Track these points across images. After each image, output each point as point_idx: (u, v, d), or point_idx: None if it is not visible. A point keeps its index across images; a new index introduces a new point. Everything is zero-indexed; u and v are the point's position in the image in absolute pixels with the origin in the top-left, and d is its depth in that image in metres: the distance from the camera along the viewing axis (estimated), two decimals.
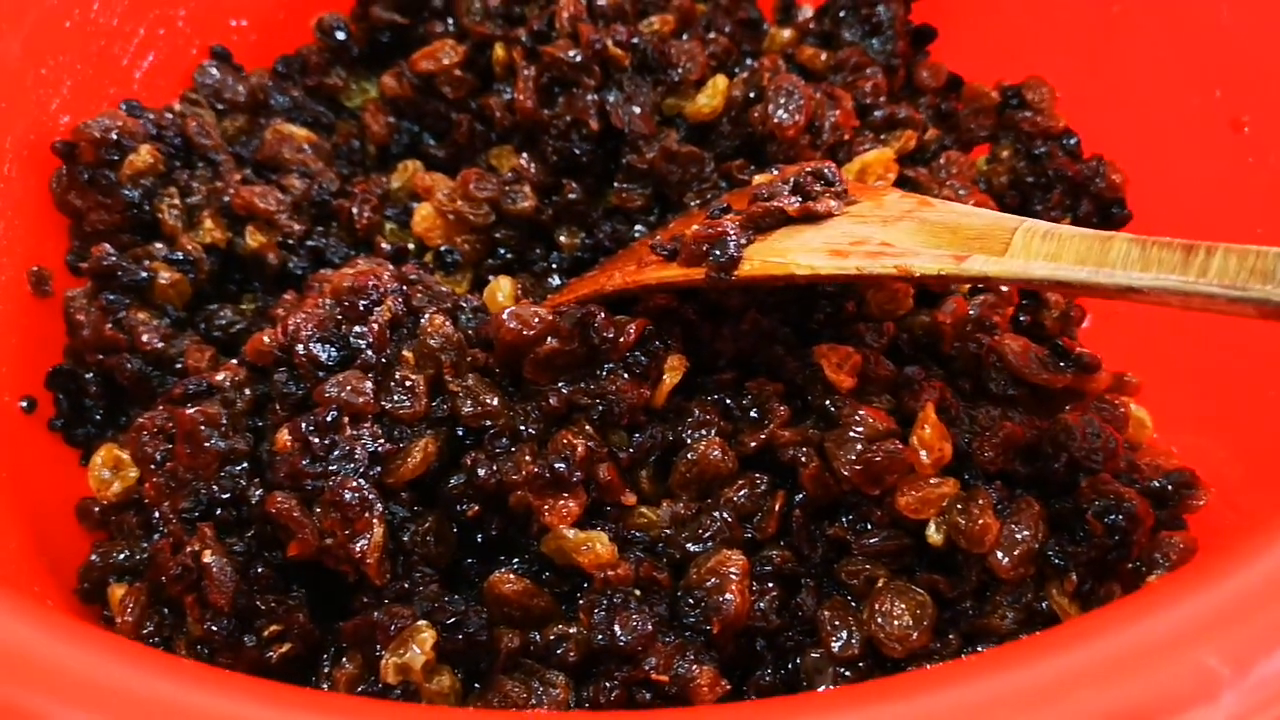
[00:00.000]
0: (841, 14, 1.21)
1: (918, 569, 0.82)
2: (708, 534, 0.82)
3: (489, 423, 0.84)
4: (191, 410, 0.82)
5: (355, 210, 1.10)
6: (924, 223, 0.77)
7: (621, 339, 0.84)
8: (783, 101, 1.03)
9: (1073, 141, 1.14)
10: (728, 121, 1.10)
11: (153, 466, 0.84)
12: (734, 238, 0.81)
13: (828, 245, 0.78)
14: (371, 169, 1.22)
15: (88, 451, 1.02)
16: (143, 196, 1.06)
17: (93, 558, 0.87)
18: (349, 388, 0.80)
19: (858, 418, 0.82)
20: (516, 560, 0.84)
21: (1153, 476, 0.85)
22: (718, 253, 0.81)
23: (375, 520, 0.77)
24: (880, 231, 0.77)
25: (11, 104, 1.02)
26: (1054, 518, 0.81)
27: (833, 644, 0.78)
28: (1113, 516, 0.77)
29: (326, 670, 0.81)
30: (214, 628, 0.78)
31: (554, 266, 1.13)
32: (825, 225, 0.81)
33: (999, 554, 0.77)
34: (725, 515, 0.82)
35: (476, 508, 0.83)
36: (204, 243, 1.06)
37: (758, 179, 0.89)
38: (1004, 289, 0.94)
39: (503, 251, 1.11)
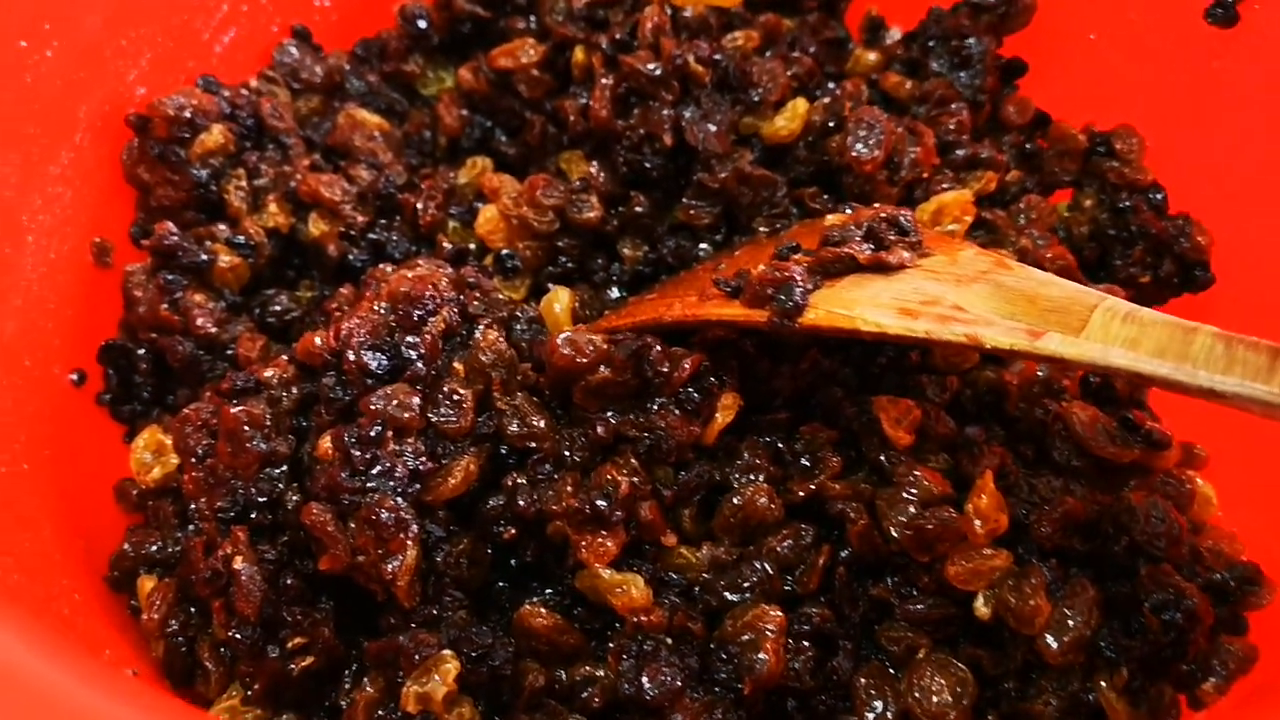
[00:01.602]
0: (931, 43, 1.17)
1: (961, 640, 0.80)
2: (747, 584, 0.80)
3: (534, 445, 0.82)
4: (237, 409, 0.81)
5: (420, 206, 1.08)
6: (1000, 287, 0.74)
7: (675, 374, 0.82)
8: (863, 134, 1.00)
9: (1159, 196, 1.10)
10: (804, 146, 1.07)
11: (193, 460, 0.84)
12: (800, 284, 0.78)
13: (897, 301, 0.75)
14: (441, 160, 1.21)
15: (132, 428, 1.02)
16: (210, 176, 1.05)
17: (125, 547, 0.86)
18: (395, 402, 0.79)
19: (912, 478, 0.80)
20: (549, 590, 0.83)
21: (1216, 568, 0.81)
22: (782, 298, 0.78)
23: (410, 541, 0.76)
24: (953, 292, 0.75)
25: (89, 74, 1.02)
26: (1108, 600, 0.78)
27: (866, 715, 0.76)
28: (1171, 613, 0.74)
29: (347, 688, 0.80)
30: (238, 635, 0.77)
31: (614, 278, 1.11)
32: (896, 277, 0.79)
33: (1049, 637, 0.74)
34: (766, 565, 0.80)
35: (514, 531, 0.82)
36: (267, 227, 1.05)
37: (830, 219, 0.87)
38: None
39: (563, 260, 1.09)
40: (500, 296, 0.96)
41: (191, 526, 0.86)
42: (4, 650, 0.49)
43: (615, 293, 1.10)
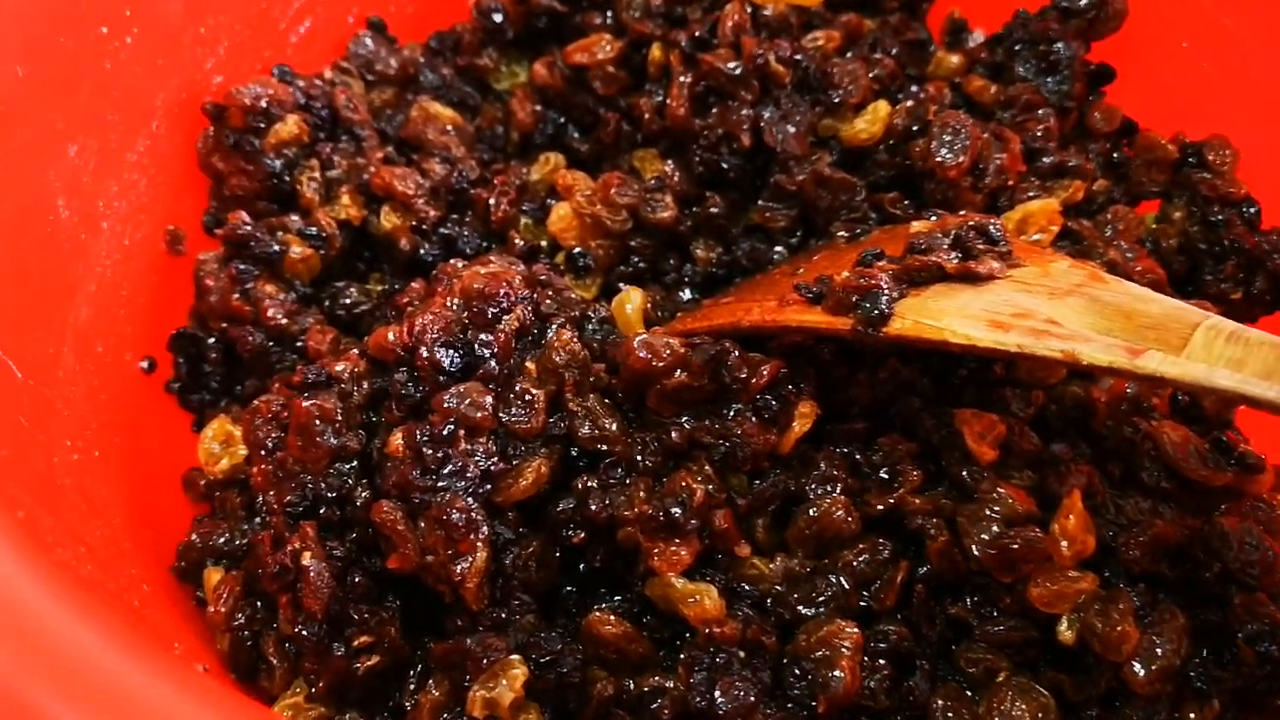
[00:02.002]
0: (1017, 47, 1.14)
1: (1042, 664, 0.77)
2: (821, 598, 0.78)
3: (605, 448, 0.81)
4: (308, 403, 0.80)
5: (492, 201, 1.07)
6: (1095, 301, 0.72)
7: (754, 380, 0.80)
8: (948, 139, 0.98)
9: (1253, 210, 1.07)
10: (884, 150, 1.05)
11: (263, 453, 0.83)
12: (886, 292, 0.76)
13: (987, 313, 0.73)
14: (513, 156, 1.20)
15: (200, 417, 1.02)
16: (284, 166, 1.05)
17: (193, 537, 0.86)
18: (469, 401, 0.78)
19: (996, 495, 0.77)
20: (618, 597, 0.81)
21: None
22: (867, 305, 0.76)
23: (480, 543, 0.75)
24: (1046, 305, 0.72)
25: (167, 61, 1.02)
26: (1198, 629, 0.75)
27: None
28: (1266, 645, 0.72)
29: (412, 689, 0.79)
30: (304, 631, 0.76)
31: (686, 280, 1.09)
32: (985, 288, 0.76)
33: (1136, 665, 0.72)
34: (842, 580, 0.79)
35: (583, 535, 0.80)
36: (339, 218, 1.05)
37: (915, 226, 0.84)
38: None
39: (635, 260, 1.08)
40: (572, 295, 0.94)
41: (258, 519, 0.86)
42: (84, 646, 0.48)
43: (687, 294, 1.08)
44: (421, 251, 1.05)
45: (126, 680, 0.47)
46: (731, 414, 0.81)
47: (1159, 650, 0.72)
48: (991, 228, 0.80)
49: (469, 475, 0.76)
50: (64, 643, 0.48)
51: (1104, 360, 0.66)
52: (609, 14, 1.19)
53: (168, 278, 1.02)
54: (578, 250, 1.05)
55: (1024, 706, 0.73)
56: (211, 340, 1.01)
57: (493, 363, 0.81)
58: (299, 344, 0.98)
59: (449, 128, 1.14)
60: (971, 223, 0.81)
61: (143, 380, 0.99)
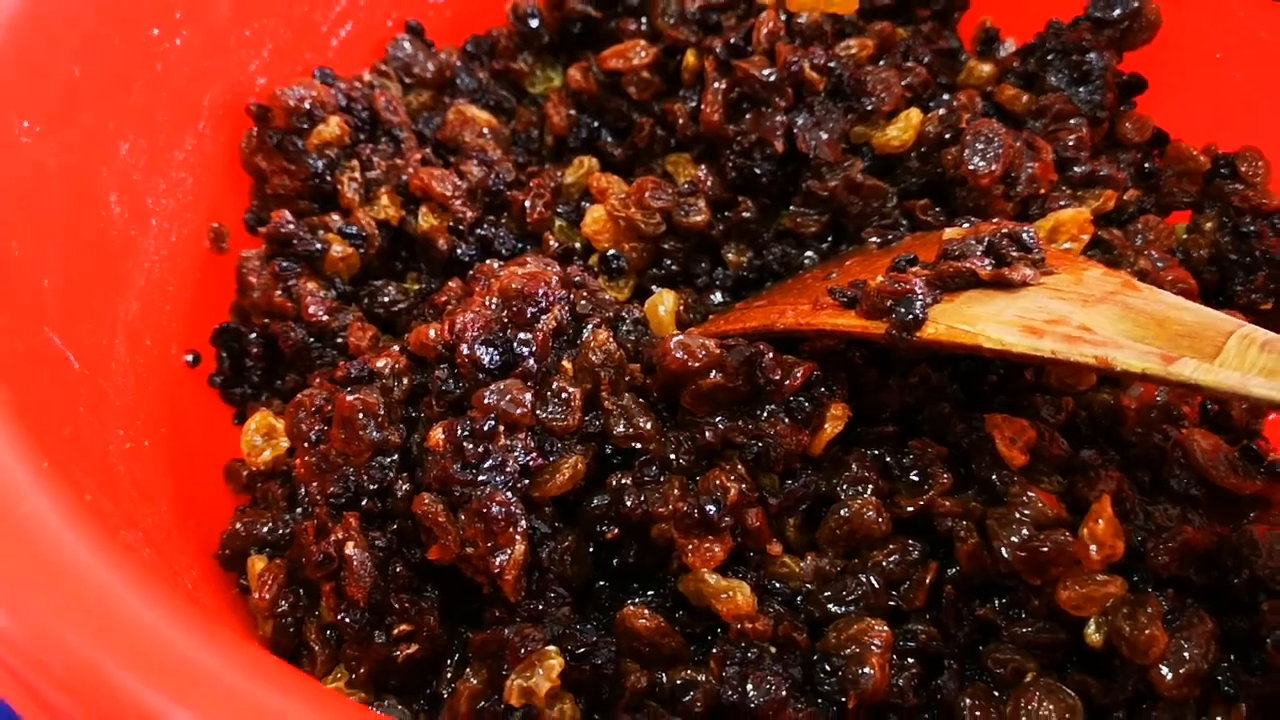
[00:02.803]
0: (1049, 57, 1.15)
1: (1069, 667, 0.78)
2: (851, 596, 0.79)
3: (639, 446, 0.82)
4: (352, 397, 0.82)
5: (528, 203, 1.09)
6: (1128, 309, 0.73)
7: (788, 382, 0.81)
8: (980, 148, 0.99)
9: None
10: (916, 157, 1.06)
11: (306, 444, 0.85)
12: (920, 297, 0.77)
13: (1021, 319, 0.74)
14: (547, 159, 1.22)
15: (242, 411, 1.04)
16: (326, 167, 1.07)
17: (236, 526, 0.88)
18: (509, 397, 0.79)
19: (1026, 499, 0.78)
20: (650, 592, 0.83)
21: None
22: (901, 310, 0.78)
23: (518, 536, 0.76)
24: (1079, 312, 0.73)
25: (214, 63, 1.04)
26: (1226, 635, 0.76)
27: None
28: None
29: (449, 677, 0.80)
30: (347, 619, 0.78)
31: (717, 283, 1.11)
32: (1019, 294, 0.77)
33: (1163, 669, 0.72)
34: (872, 579, 0.80)
35: (617, 531, 0.82)
36: (378, 218, 1.07)
37: (948, 232, 0.85)
38: None
39: (668, 262, 1.09)
40: (606, 297, 0.96)
41: (300, 510, 0.88)
42: (157, 625, 0.50)
43: (718, 297, 1.10)
44: (458, 252, 1.07)
45: (201, 658, 0.48)
46: (765, 415, 0.82)
47: (1186, 654, 0.73)
48: (1025, 235, 0.81)
49: (508, 470, 0.78)
50: (141, 621, 0.50)
51: (1138, 367, 0.67)
52: (643, 20, 1.21)
53: (211, 274, 1.04)
54: (611, 252, 1.07)
55: (1051, 707, 0.74)
56: (253, 335, 1.03)
57: (531, 361, 0.83)
58: (339, 340, 1.00)
59: (485, 130, 1.16)
60: (1005, 230, 0.82)
61: (187, 373, 1.01)
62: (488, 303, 0.86)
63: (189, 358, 1.01)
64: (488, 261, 1.03)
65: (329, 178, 1.07)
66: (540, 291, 0.86)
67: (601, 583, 0.85)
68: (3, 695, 0.51)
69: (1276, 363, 0.63)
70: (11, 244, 0.77)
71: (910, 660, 0.78)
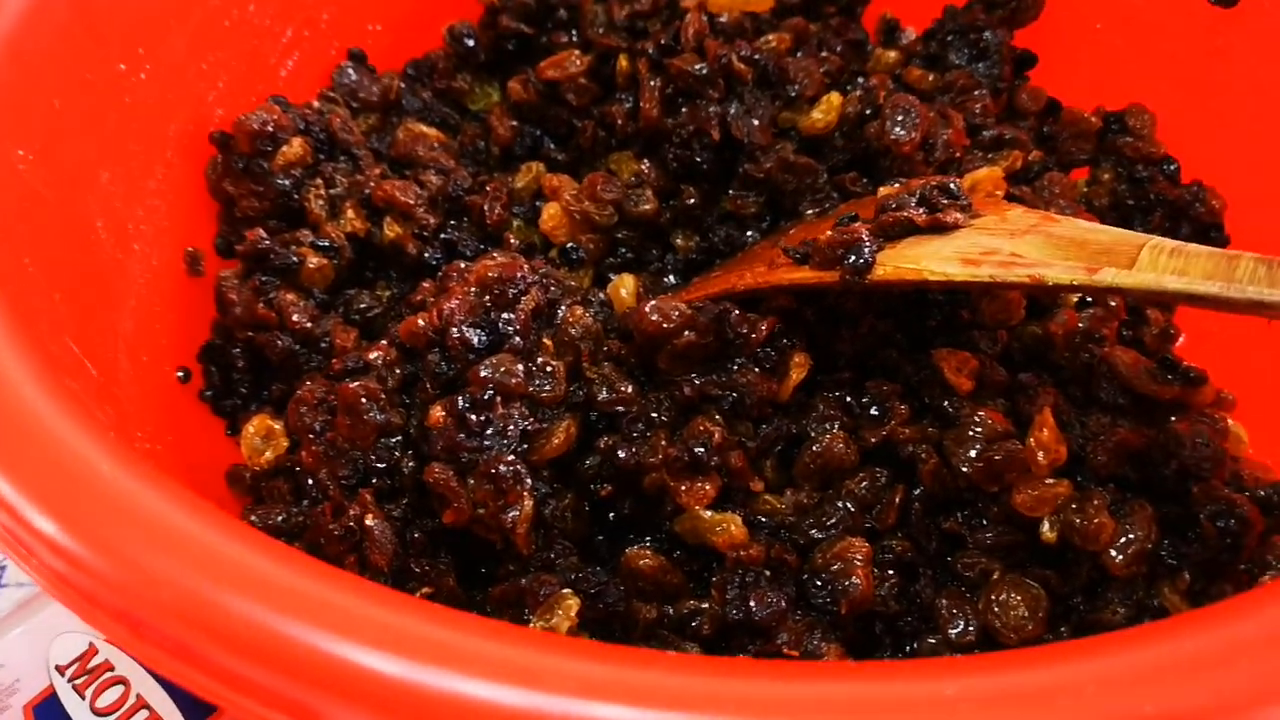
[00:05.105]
0: (949, 38, 1.26)
1: (1030, 563, 0.87)
2: (831, 521, 0.87)
3: (623, 409, 0.89)
4: (354, 384, 0.88)
5: (487, 207, 1.15)
6: (1050, 236, 0.82)
7: (754, 335, 0.89)
8: (900, 119, 1.08)
9: (1173, 167, 1.19)
10: (840, 136, 1.15)
11: (311, 435, 0.90)
12: (868, 244, 0.86)
13: (959, 254, 0.83)
14: (495, 168, 1.28)
15: (233, 422, 1.09)
16: (293, 186, 1.12)
17: (251, 518, 0.93)
18: (503, 369, 0.86)
19: (977, 418, 0.87)
20: (648, 538, 0.90)
21: (1256, 487, 0.89)
22: (853, 257, 0.86)
23: (525, 494, 0.83)
24: (1008, 243, 0.82)
25: (176, 95, 1.09)
26: (1164, 522, 0.85)
27: (950, 631, 0.83)
28: (1224, 520, 0.82)
29: None
30: None
31: (669, 267, 1.18)
32: (953, 236, 0.86)
33: (1113, 552, 0.81)
34: (847, 505, 0.88)
35: (609, 488, 0.89)
36: (346, 231, 1.12)
37: (882, 190, 0.94)
38: (1112, 303, 0.98)
39: (623, 251, 1.17)
40: (572, 284, 1.03)
41: (306, 501, 0.93)
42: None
43: (671, 279, 1.17)
44: (426, 255, 1.13)
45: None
46: (736, 367, 0.90)
47: (1132, 536, 0.81)
48: (952, 185, 0.90)
49: (509, 434, 0.85)
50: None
51: (1066, 279, 0.76)
52: (574, 33, 1.29)
53: (192, 295, 1.09)
54: (570, 245, 1.14)
55: (1019, 597, 0.83)
56: (236, 350, 1.09)
57: (517, 338, 0.90)
58: (323, 345, 1.06)
59: (435, 144, 1.23)
60: (933, 183, 0.91)
61: (179, 389, 1.06)
62: (469, 291, 0.93)
63: (179, 374, 1.06)
64: (455, 262, 1.09)
65: (296, 196, 1.13)
66: (518, 274, 0.93)
67: (600, 537, 0.92)
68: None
69: (1185, 264, 0.72)
70: (25, 260, 0.82)
71: (890, 572, 0.86)
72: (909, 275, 0.83)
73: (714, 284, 1.00)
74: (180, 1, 1.09)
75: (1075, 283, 0.76)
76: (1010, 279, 0.79)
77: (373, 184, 1.14)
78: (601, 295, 1.02)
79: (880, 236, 0.88)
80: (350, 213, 1.13)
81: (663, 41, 1.17)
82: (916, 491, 0.89)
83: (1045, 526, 0.84)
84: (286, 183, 1.12)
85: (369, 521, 0.83)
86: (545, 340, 0.92)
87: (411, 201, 1.13)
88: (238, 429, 1.04)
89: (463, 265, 1.04)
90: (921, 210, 0.88)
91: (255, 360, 1.09)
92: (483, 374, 0.86)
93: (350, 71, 1.29)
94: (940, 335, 0.98)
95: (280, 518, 0.92)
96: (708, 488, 0.85)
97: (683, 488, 0.85)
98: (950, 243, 0.85)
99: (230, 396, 1.10)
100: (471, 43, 1.31)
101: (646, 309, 0.88)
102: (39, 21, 0.92)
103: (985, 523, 0.87)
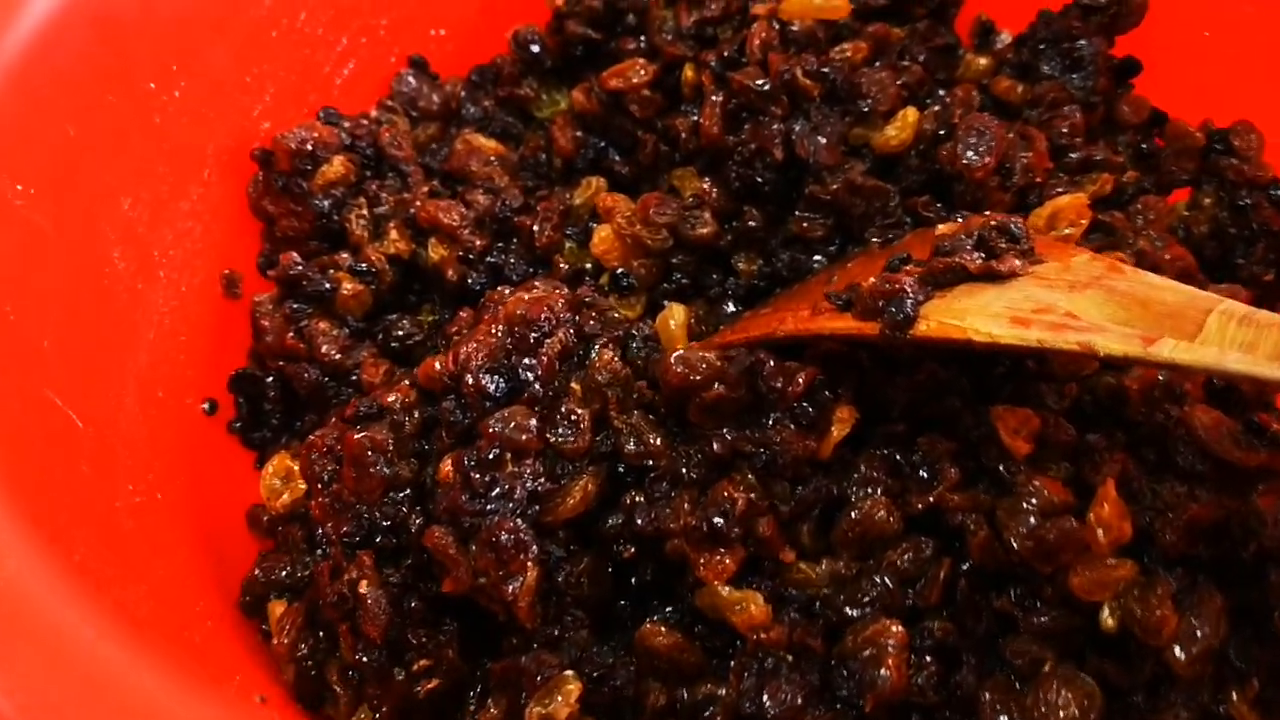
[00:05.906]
0: (1041, 46, 1.16)
1: (1088, 653, 0.78)
2: (867, 598, 0.80)
3: (650, 463, 0.83)
4: (360, 435, 0.83)
5: (536, 228, 1.10)
6: (1113, 292, 0.74)
7: (790, 389, 0.82)
8: (972, 141, 1.00)
9: None
10: (915, 155, 1.06)
11: (320, 486, 0.86)
12: (911, 296, 0.78)
13: (1009, 310, 0.75)
14: (556, 181, 1.23)
15: (262, 455, 1.06)
16: (332, 206, 1.09)
17: (256, 572, 0.90)
18: (513, 424, 0.80)
19: (1032, 488, 0.79)
20: (670, 608, 0.84)
21: None
22: (893, 310, 0.78)
23: (530, 563, 0.77)
24: (1065, 299, 0.74)
25: (216, 111, 1.07)
26: (1237, 608, 0.76)
27: None
28: None
29: (472, 709, 0.82)
30: (365, 658, 0.80)
31: (729, 293, 1.11)
32: (1008, 286, 0.78)
33: (1176, 649, 0.73)
34: (887, 579, 0.80)
35: (633, 550, 0.83)
36: (388, 253, 1.08)
37: (940, 229, 0.86)
38: None
39: (678, 276, 1.10)
40: (616, 315, 0.97)
41: (319, 551, 0.89)
42: (138, 682, 0.51)
43: (731, 307, 1.10)
44: (469, 280, 1.08)
45: (170, 707, 0.50)
46: (770, 422, 0.83)
47: (1198, 633, 0.73)
48: (1013, 226, 0.82)
49: (516, 497, 0.79)
50: (116, 677, 0.51)
51: (1119, 350, 0.68)
52: (642, 39, 1.22)
53: (225, 321, 1.07)
54: (620, 270, 1.08)
55: (1070, 695, 0.74)
56: (269, 379, 1.06)
57: (537, 386, 0.84)
58: (354, 377, 1.02)
59: (492, 158, 1.18)
60: (994, 223, 0.83)
61: (204, 422, 1.03)
62: (493, 330, 0.87)
63: (205, 406, 1.04)
64: (498, 289, 1.04)
65: (336, 217, 1.09)
66: (542, 316, 0.87)
67: (622, 602, 0.86)
68: None
69: (1255, 336, 0.64)
70: (6, 308, 0.79)
71: (929, 658, 0.78)
72: (953, 334, 0.75)
73: (757, 325, 0.93)
74: (220, 14, 1.06)
75: (1129, 355, 0.67)
76: (1059, 345, 0.71)
77: (418, 203, 1.10)
78: (648, 329, 0.95)
79: (929, 284, 0.80)
80: (394, 233, 1.09)
81: (726, 53, 1.10)
82: (965, 566, 0.81)
83: (1105, 613, 0.76)
84: (326, 203, 1.09)
85: (363, 589, 0.79)
86: (574, 385, 0.86)
87: (456, 223, 1.08)
88: (266, 462, 1.01)
89: (505, 292, 0.99)
90: (977, 256, 0.80)
91: (287, 390, 1.06)
92: (492, 428, 0.80)
93: (410, 79, 1.26)
94: (1006, 385, 0.89)
95: (284, 572, 0.89)
96: (728, 561, 0.78)
97: (701, 560, 0.78)
98: (1003, 295, 0.77)
99: (260, 428, 1.07)
100: (537, 48, 1.26)
101: (672, 359, 0.82)
102: (54, 45, 0.89)
103: (1040, 604, 0.79)
